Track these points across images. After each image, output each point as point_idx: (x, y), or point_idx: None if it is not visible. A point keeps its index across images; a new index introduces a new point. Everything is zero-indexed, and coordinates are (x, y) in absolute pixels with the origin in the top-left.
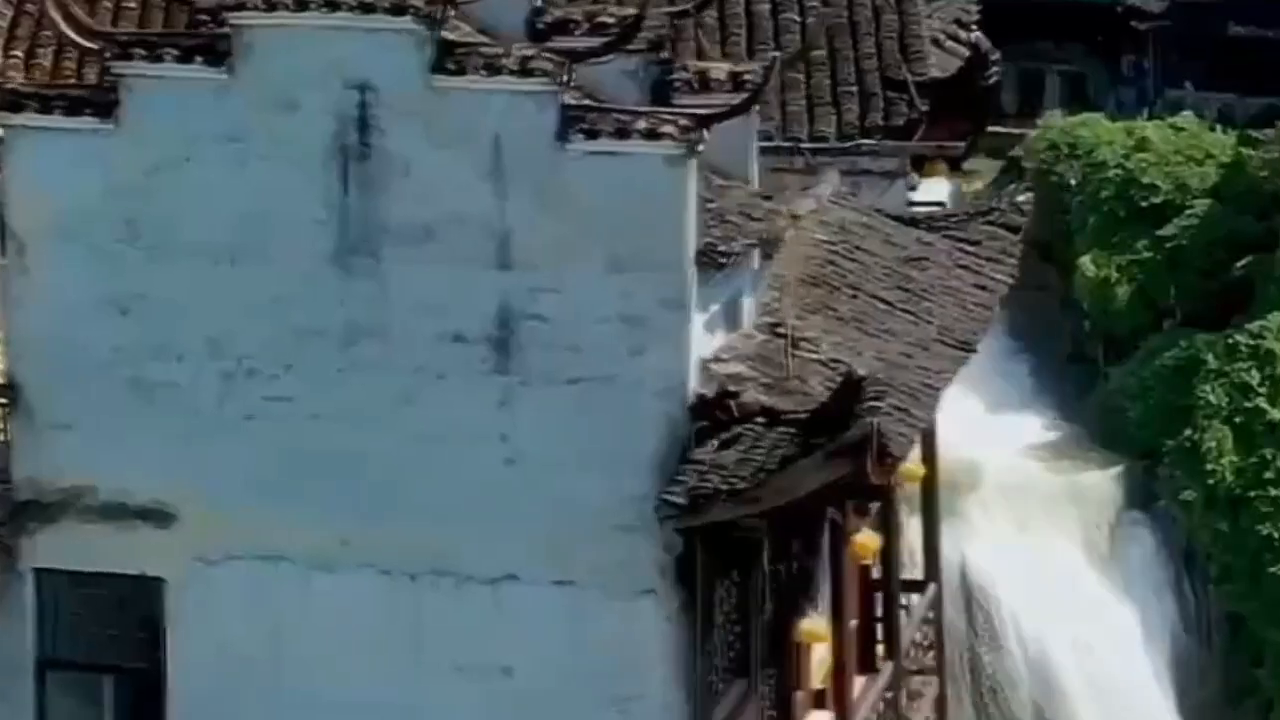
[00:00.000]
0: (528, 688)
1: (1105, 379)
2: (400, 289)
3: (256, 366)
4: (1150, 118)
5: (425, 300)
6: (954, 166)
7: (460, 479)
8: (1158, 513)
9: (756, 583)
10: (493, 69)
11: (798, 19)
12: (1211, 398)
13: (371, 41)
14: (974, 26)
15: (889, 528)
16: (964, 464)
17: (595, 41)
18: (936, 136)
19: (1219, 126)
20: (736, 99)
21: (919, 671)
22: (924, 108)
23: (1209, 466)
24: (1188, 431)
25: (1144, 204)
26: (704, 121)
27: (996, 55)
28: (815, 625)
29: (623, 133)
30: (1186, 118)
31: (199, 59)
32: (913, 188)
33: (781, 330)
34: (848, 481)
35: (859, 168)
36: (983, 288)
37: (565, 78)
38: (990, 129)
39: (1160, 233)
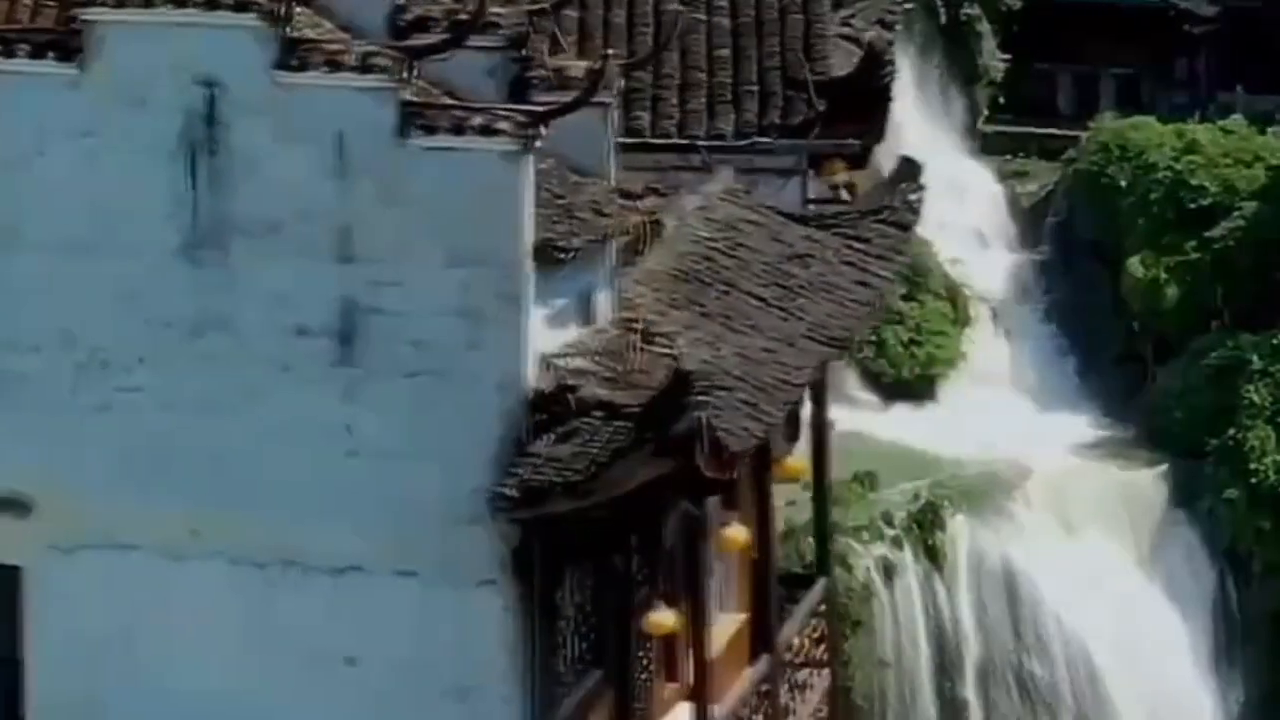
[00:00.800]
0: (372, 677)
1: (1153, 379)
2: (247, 282)
3: (109, 358)
4: (1202, 121)
5: (271, 293)
6: (854, 164)
7: (305, 470)
8: (1202, 511)
9: (606, 575)
10: (334, 65)
11: (704, 18)
12: (1255, 397)
13: (217, 38)
14: (895, 27)
15: (765, 521)
16: (1010, 462)
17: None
18: (838, 135)
19: (1270, 130)
20: (594, 96)
21: (805, 664)
22: (821, 107)
23: (1252, 465)
24: (1232, 431)
25: (1193, 206)
26: (539, 118)
27: (891, 56)
28: (663, 618)
29: (459, 129)
30: (1236, 120)
31: (51, 54)
32: (835, 187)
33: (634, 325)
34: (684, 475)
35: (755, 165)
36: (865, 284)
37: (405, 74)
38: (1047, 131)
39: (1208, 234)
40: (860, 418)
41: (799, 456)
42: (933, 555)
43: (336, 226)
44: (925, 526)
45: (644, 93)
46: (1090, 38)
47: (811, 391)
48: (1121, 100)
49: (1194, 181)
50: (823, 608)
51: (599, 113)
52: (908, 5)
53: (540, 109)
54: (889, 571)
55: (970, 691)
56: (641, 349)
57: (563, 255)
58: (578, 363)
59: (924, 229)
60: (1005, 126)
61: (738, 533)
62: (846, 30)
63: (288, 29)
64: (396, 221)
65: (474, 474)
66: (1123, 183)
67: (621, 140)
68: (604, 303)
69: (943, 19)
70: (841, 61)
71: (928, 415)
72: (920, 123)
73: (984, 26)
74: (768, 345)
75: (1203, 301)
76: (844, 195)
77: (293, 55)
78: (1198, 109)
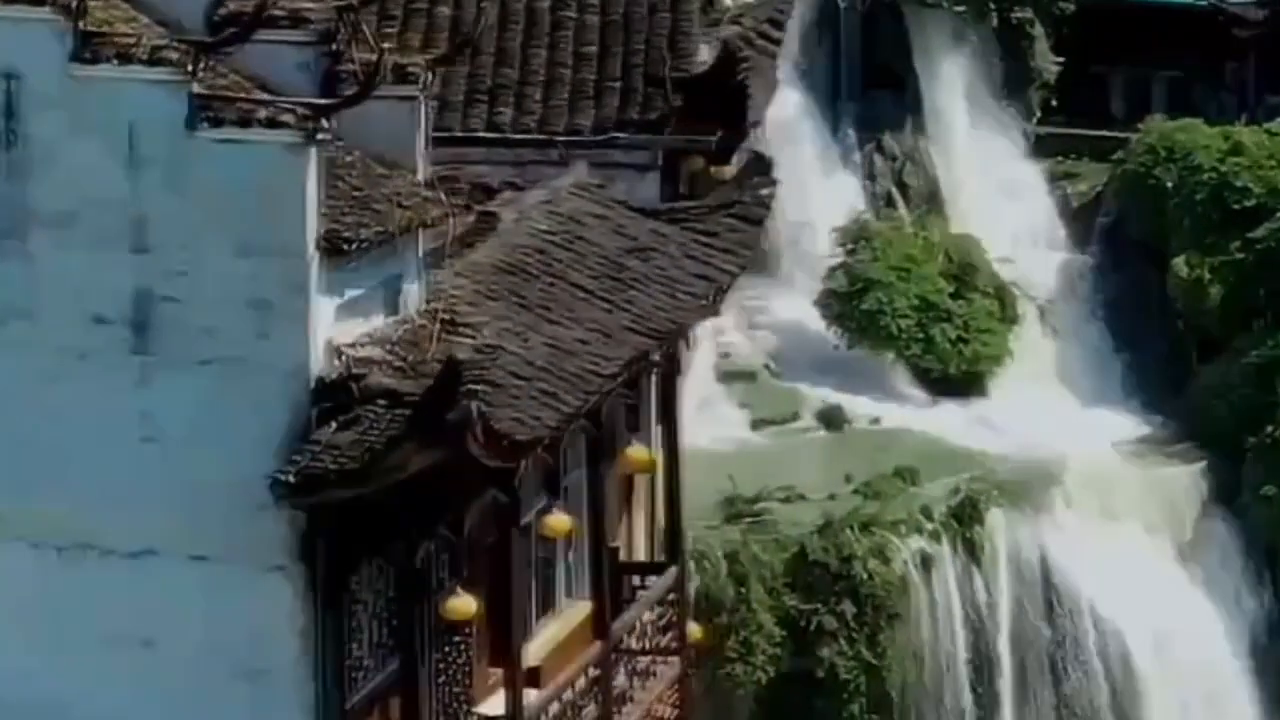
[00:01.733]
0: (168, 660)
1: (1196, 377)
2: (46, 271)
3: None
4: (1249, 123)
5: (69, 282)
6: (712, 161)
7: (102, 456)
8: (1240, 508)
9: (402, 562)
10: (125, 58)
11: (574, 15)
12: None
13: (15, 31)
14: (784, 26)
15: (598, 508)
16: (1050, 458)
17: (269, 33)
18: (699, 132)
19: None
20: (400, 90)
21: (650, 652)
22: (677, 103)
23: None
24: (1270, 429)
25: (1237, 207)
26: (323, 111)
27: (745, 54)
28: (461, 604)
29: (246, 121)
30: None
31: None
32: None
33: (435, 315)
34: (462, 463)
35: (611, 160)
36: (706, 278)
37: (195, 67)
38: (1098, 133)
39: (1251, 235)
40: (907, 413)
41: (645, 447)
42: (971, 549)
43: (131, 217)
44: (964, 520)
45: (509, 89)
46: (1142, 41)
47: (661, 384)
48: (1173, 103)
49: (1238, 183)
50: (672, 596)
51: (408, 107)
52: (959, 9)
53: (324, 102)
54: (926, 564)
55: (1006, 684)
56: (441, 339)
57: (349, 246)
58: (369, 352)
59: (974, 228)
60: (1057, 129)
61: (559, 521)
62: (735, 29)
63: (83, 22)
64: (188, 212)
65: (263, 461)
66: (1169, 184)
67: (482, 135)
68: (412, 293)
69: (995, 22)
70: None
71: (974, 411)
72: (972, 125)
73: (1037, 30)
74: (583, 336)
75: (1246, 301)
76: None
77: (87, 48)
78: (1245, 112)
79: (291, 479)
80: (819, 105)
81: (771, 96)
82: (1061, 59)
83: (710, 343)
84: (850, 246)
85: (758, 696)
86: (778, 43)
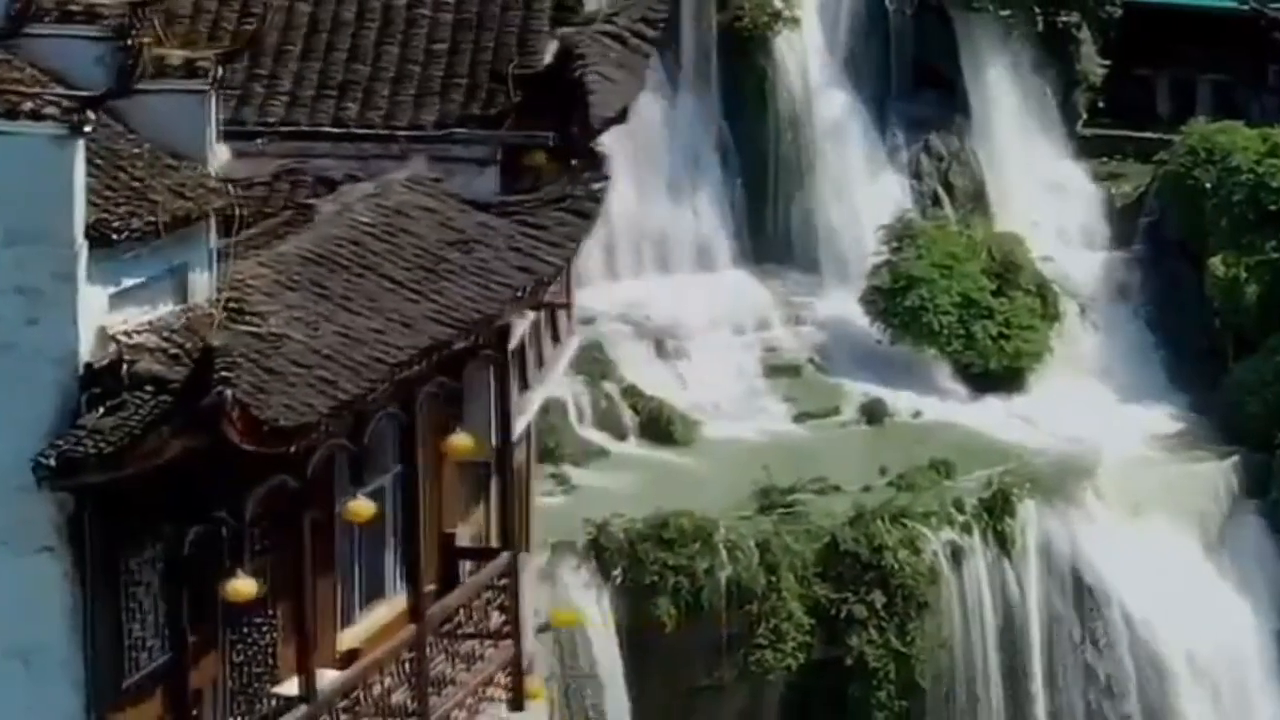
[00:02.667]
0: None
1: (1230, 374)
2: None
3: None
4: None
5: None
6: (554, 156)
7: None
8: (1271, 503)
9: (173, 545)
10: None
11: (429, 13)
12: None
13: None
14: (659, 25)
15: (411, 496)
16: (1082, 451)
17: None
18: (542, 128)
19: None
20: (191, 84)
21: (475, 635)
22: (518, 99)
23: None
24: None
25: (1272, 207)
26: (88, 103)
27: (582, 51)
28: (242, 585)
29: (12, 113)
30: None
31: None
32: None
33: (228, 305)
34: (223, 448)
35: (452, 155)
36: (526, 270)
37: None
38: (1143, 134)
39: None
40: (948, 408)
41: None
42: (1002, 540)
43: None
44: (995, 513)
45: (359, 84)
46: (1187, 44)
47: (497, 373)
48: (1217, 105)
49: (1274, 184)
50: (503, 581)
51: (198, 100)
52: (1005, 12)
53: (88, 95)
54: (956, 555)
55: (1036, 672)
56: (223, 327)
57: (119, 236)
58: (145, 339)
59: (1017, 227)
60: (1103, 130)
61: (361, 506)
62: (609, 28)
63: None
64: None
65: (31, 444)
66: (1208, 184)
67: (327, 130)
68: (201, 282)
69: (1041, 26)
70: (598, 58)
71: (1014, 406)
72: (1019, 126)
73: (1084, 33)
74: (380, 326)
75: None
76: None
77: None
78: None
79: (51, 462)
80: (867, 106)
81: (638, 92)
82: (1108, 62)
83: (756, 338)
84: (895, 244)
85: (788, 683)
86: (651, 41)
